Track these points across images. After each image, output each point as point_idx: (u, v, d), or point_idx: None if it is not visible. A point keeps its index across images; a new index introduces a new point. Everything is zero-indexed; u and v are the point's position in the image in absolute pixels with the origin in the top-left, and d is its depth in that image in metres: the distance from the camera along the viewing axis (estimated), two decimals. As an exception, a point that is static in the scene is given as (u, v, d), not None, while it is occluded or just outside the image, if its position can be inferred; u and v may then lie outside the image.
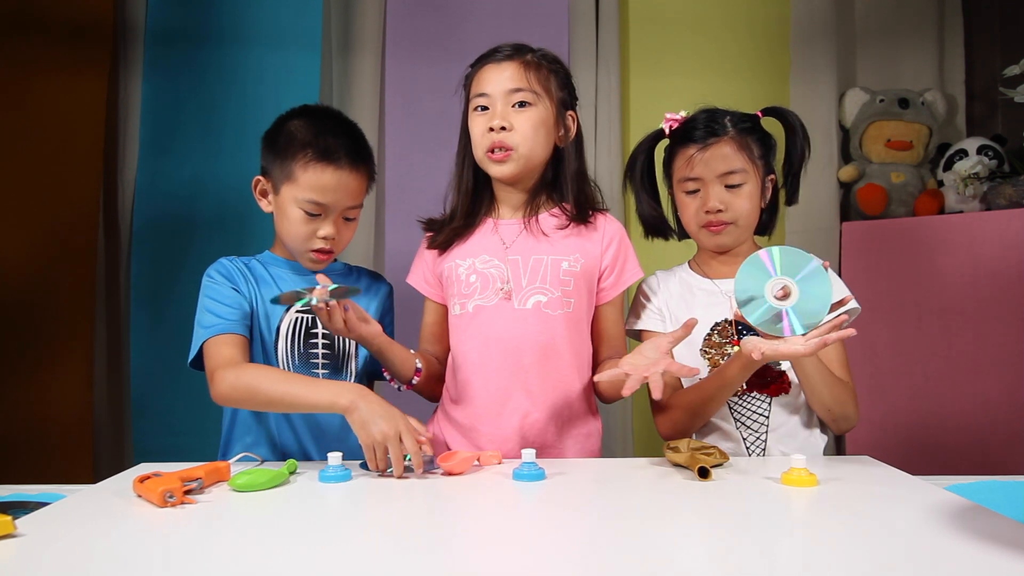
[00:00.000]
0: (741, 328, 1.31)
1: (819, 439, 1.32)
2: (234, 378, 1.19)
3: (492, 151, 1.28)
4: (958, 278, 1.96)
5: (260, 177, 1.35)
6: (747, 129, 1.32)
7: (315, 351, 1.33)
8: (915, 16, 2.36)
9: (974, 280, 1.93)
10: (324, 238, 1.29)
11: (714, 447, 1.15)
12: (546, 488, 1.04)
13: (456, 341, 1.35)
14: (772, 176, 1.36)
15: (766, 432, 1.30)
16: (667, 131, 1.37)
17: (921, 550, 0.77)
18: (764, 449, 1.30)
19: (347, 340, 1.35)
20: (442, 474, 1.12)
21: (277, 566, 0.76)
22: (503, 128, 1.27)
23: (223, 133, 2.10)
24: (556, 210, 1.35)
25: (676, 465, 1.14)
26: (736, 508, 0.94)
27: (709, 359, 1.33)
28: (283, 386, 1.18)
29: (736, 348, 1.29)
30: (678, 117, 1.36)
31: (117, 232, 2.10)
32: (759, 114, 1.36)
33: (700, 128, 1.32)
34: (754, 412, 1.30)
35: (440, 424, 1.39)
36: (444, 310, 1.40)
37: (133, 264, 2.09)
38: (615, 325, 1.37)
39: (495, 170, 1.30)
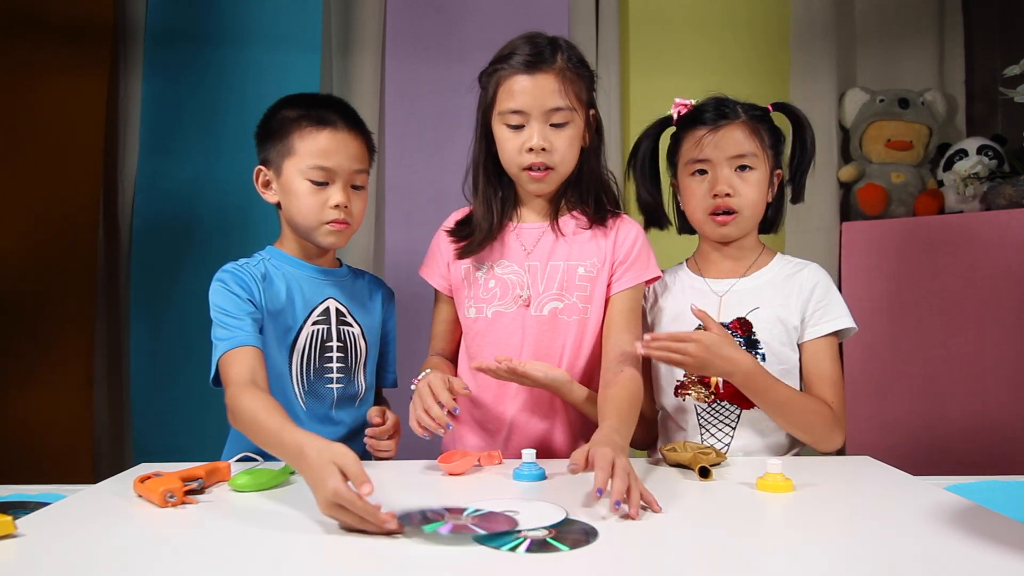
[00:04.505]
0: None
1: (784, 451, 1.29)
2: (234, 412, 1.11)
3: (531, 168, 1.24)
4: (958, 278, 1.95)
5: (260, 167, 1.32)
6: (759, 117, 1.31)
7: (330, 364, 1.31)
8: (915, 16, 2.36)
9: (974, 280, 1.93)
10: (336, 206, 1.26)
11: (711, 447, 1.15)
12: (546, 488, 1.04)
13: (473, 345, 1.33)
14: (779, 171, 1.34)
15: (730, 441, 1.28)
16: (675, 116, 1.35)
17: (921, 550, 0.77)
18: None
19: (358, 353, 1.35)
20: (443, 475, 1.12)
21: (277, 566, 0.76)
22: (543, 149, 1.22)
23: (223, 133, 2.10)
24: (577, 211, 1.31)
25: (675, 465, 1.14)
26: (735, 508, 0.94)
27: None
28: (263, 436, 1.05)
29: None
30: (688, 103, 1.34)
31: (117, 232, 2.10)
32: (769, 107, 1.34)
33: (711, 111, 1.30)
34: (721, 421, 1.29)
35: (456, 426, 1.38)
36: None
37: (133, 264, 2.10)
38: (622, 316, 1.28)
39: (533, 187, 1.28)
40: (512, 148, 1.24)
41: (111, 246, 2.11)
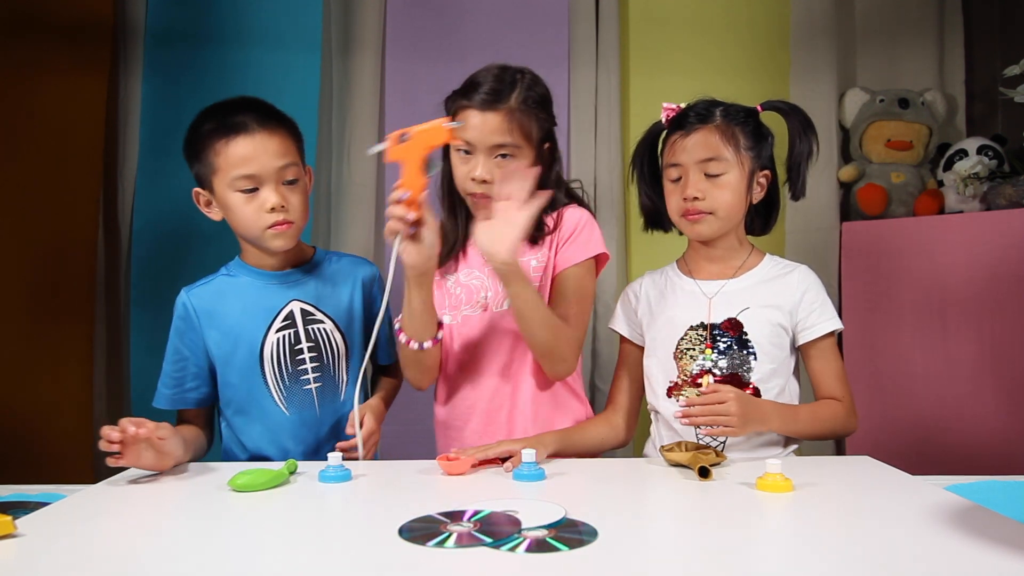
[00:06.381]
0: (716, 333, 1.29)
1: (782, 447, 1.30)
2: None
3: (473, 195, 1.31)
4: (958, 278, 1.95)
5: (197, 189, 1.32)
6: (736, 120, 1.29)
7: (303, 366, 1.31)
8: (915, 16, 2.36)
9: (974, 280, 1.93)
10: (272, 209, 1.25)
11: (710, 447, 1.15)
12: (546, 488, 1.04)
13: (447, 348, 1.40)
14: (766, 172, 1.32)
15: (725, 439, 1.28)
16: (664, 121, 1.36)
17: (921, 550, 0.77)
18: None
19: (334, 346, 1.33)
20: (442, 475, 1.12)
21: (277, 566, 0.76)
22: (484, 180, 1.28)
23: (223, 133, 2.10)
24: None
25: (675, 465, 1.14)
26: (735, 508, 0.94)
27: (680, 363, 1.31)
28: None
29: (707, 352, 1.28)
30: (674, 107, 1.35)
31: (117, 232, 2.09)
32: (759, 108, 1.34)
33: (690, 116, 1.31)
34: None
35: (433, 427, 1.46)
36: None
37: (133, 264, 2.09)
38: (571, 278, 1.34)
39: (479, 213, 1.32)
40: (461, 175, 1.32)
41: (111, 246, 2.10)
